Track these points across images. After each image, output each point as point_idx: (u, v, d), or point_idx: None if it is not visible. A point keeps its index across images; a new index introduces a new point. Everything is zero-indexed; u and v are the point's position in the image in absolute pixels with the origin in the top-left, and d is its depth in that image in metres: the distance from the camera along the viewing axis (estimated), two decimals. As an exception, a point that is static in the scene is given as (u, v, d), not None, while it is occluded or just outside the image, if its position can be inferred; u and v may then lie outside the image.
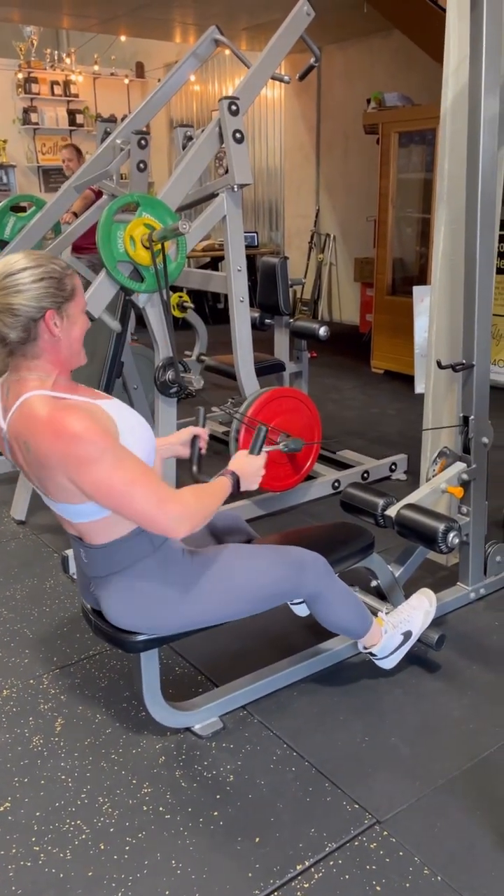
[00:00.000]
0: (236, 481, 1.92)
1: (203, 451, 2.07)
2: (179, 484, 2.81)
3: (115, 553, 1.82)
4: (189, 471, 2.05)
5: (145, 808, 1.86)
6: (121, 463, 1.63)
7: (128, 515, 1.70)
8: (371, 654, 2.27)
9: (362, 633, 2.19)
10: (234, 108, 2.89)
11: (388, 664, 2.28)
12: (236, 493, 1.94)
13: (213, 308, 8.02)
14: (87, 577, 1.93)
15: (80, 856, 1.73)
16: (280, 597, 2.03)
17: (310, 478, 3.63)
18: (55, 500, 1.75)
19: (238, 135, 2.90)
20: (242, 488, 1.94)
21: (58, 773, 1.98)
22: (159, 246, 2.69)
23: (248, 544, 2.14)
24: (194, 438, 2.05)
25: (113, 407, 1.74)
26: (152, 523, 1.70)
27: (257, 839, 1.77)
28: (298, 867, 1.69)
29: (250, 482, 1.95)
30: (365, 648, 2.26)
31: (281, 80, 3.31)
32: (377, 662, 2.29)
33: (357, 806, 1.85)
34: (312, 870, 1.69)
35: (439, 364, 2.58)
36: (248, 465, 1.95)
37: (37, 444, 1.63)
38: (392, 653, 2.27)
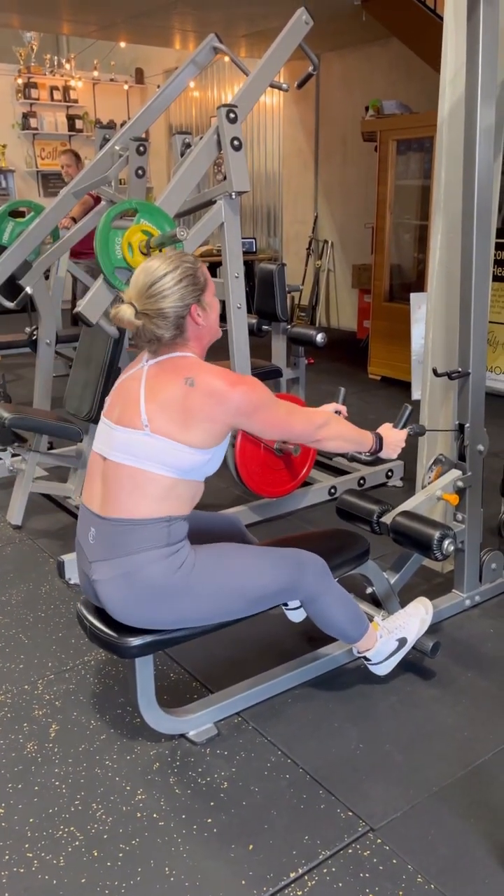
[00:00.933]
0: (379, 441, 2.18)
1: None
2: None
3: (131, 532, 1.83)
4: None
5: (139, 815, 1.86)
6: (279, 410, 1.93)
7: (288, 436, 2.04)
8: (365, 658, 2.27)
9: (358, 637, 2.19)
10: (232, 115, 2.90)
11: (382, 670, 2.28)
12: (375, 456, 2.20)
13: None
14: (89, 561, 1.91)
15: (74, 863, 1.73)
16: (278, 597, 2.04)
17: (306, 484, 3.64)
18: (176, 437, 1.79)
19: (236, 142, 2.91)
20: (382, 454, 2.20)
21: (52, 779, 1.98)
22: (157, 252, 2.70)
23: (248, 545, 2.14)
24: (336, 414, 2.20)
25: None
26: (302, 435, 2.02)
27: (251, 846, 1.76)
28: (292, 875, 1.69)
29: (391, 451, 2.21)
30: (359, 653, 2.26)
31: (279, 88, 3.33)
32: (371, 668, 2.29)
33: (351, 813, 1.85)
34: (306, 877, 1.69)
35: (435, 372, 2.59)
36: (393, 435, 2.22)
37: (207, 381, 1.79)
38: (386, 659, 2.27)
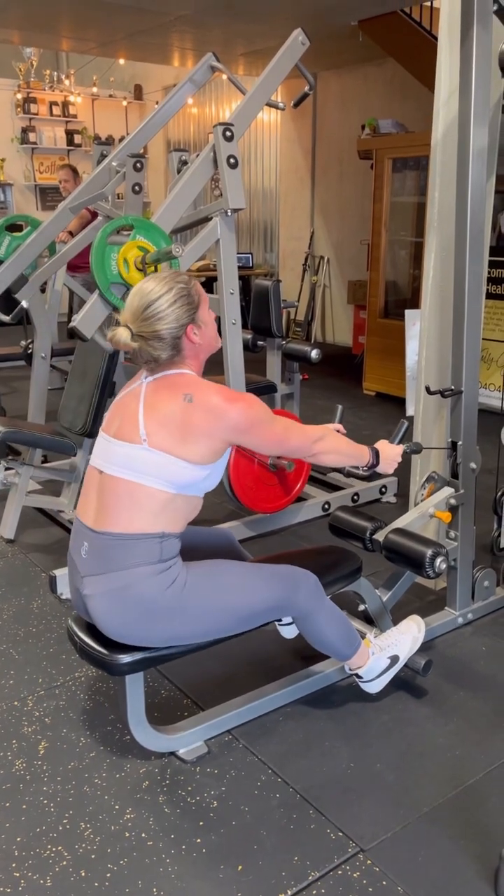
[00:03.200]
0: (376, 455, 2.19)
1: None
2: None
3: (123, 547, 1.84)
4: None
5: (127, 835, 1.84)
6: (276, 426, 1.94)
7: (285, 452, 2.03)
8: (357, 675, 2.26)
9: (350, 654, 2.19)
10: (228, 133, 2.93)
11: (373, 688, 2.28)
12: (371, 471, 2.21)
13: (207, 328, 8.04)
14: (81, 575, 1.91)
15: (61, 883, 1.71)
16: (270, 614, 2.03)
17: (300, 499, 3.64)
18: (174, 452, 1.81)
19: (232, 160, 2.94)
20: (379, 469, 2.21)
21: (40, 797, 1.96)
22: (152, 268, 2.72)
23: (241, 561, 2.14)
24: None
25: None
26: (299, 450, 2.04)
27: (240, 867, 1.75)
28: (281, 896, 1.68)
29: (387, 466, 2.23)
30: (351, 670, 2.25)
31: (276, 107, 3.36)
32: (362, 686, 2.28)
33: (341, 834, 1.84)
34: (295, 899, 1.67)
35: (428, 390, 2.60)
36: (390, 450, 2.24)
37: (206, 398, 1.81)
38: (378, 676, 2.26)
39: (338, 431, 2.25)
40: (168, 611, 1.87)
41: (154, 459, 1.82)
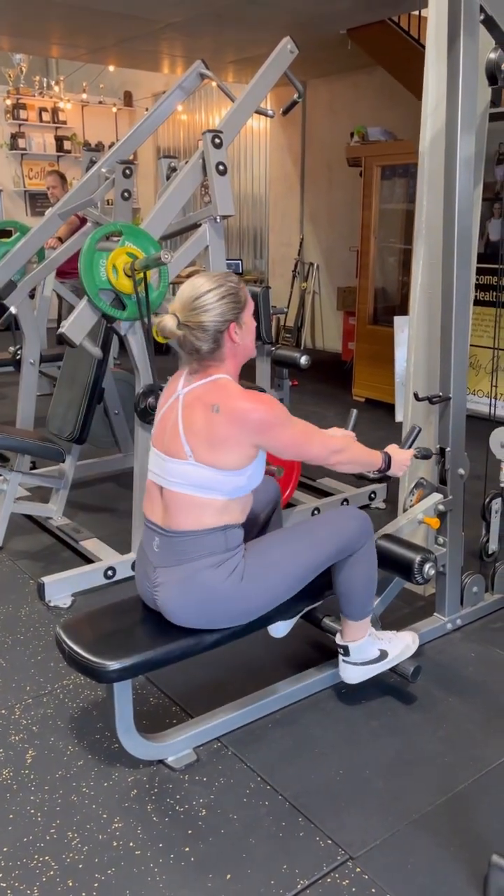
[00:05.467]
0: (388, 460, 2.26)
1: None
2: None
3: (192, 542, 1.96)
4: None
5: (115, 844, 1.83)
6: (295, 429, 2.01)
7: (304, 457, 2.08)
8: (345, 651, 2.27)
9: (363, 613, 2.24)
10: (217, 141, 2.93)
11: (352, 674, 2.29)
12: (383, 474, 2.28)
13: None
14: (153, 566, 2.02)
15: (48, 893, 1.70)
16: (330, 562, 2.16)
17: (290, 505, 3.64)
18: (215, 464, 1.91)
19: (221, 167, 2.94)
20: (390, 472, 2.29)
21: (27, 806, 1.94)
22: (141, 275, 2.71)
23: (291, 527, 2.23)
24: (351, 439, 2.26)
25: None
26: (317, 458, 2.08)
27: (228, 876, 1.74)
28: (270, 905, 1.67)
29: (398, 469, 2.30)
30: (343, 640, 2.28)
31: (265, 115, 3.37)
32: (343, 666, 2.29)
33: (330, 841, 1.83)
34: (284, 907, 1.66)
35: (416, 396, 2.60)
36: (400, 454, 2.31)
37: (230, 404, 1.90)
38: (362, 664, 2.27)
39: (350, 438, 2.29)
40: (228, 597, 1.98)
41: (202, 473, 1.93)
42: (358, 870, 1.76)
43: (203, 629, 2.03)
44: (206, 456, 1.92)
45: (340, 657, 2.30)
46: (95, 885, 1.72)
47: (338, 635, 2.32)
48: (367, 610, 2.26)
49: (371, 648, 2.28)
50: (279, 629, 2.43)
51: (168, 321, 1.94)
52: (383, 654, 2.29)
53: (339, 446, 2.10)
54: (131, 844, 1.83)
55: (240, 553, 2.02)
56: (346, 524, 2.17)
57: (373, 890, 1.70)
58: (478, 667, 2.54)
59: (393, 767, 2.08)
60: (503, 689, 2.42)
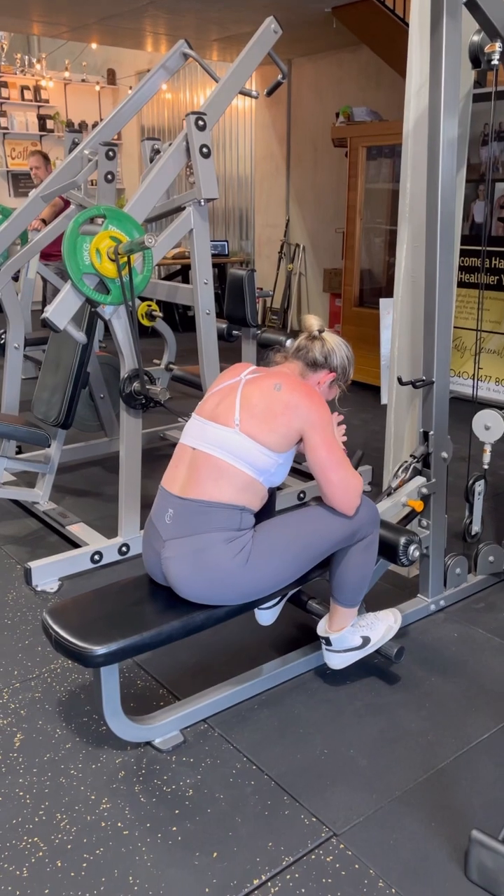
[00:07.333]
0: None
1: None
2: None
3: (208, 513, 2.01)
4: None
5: (104, 824, 1.86)
6: (335, 444, 2.12)
7: (327, 476, 2.10)
8: (327, 641, 2.30)
9: (352, 603, 2.27)
10: (200, 123, 2.91)
11: (336, 660, 2.32)
12: None
13: (183, 316, 8.02)
14: (163, 540, 2.07)
15: (37, 873, 1.73)
16: (336, 547, 2.19)
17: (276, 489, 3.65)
18: (257, 438, 2.01)
19: (205, 150, 2.92)
20: None
21: (16, 789, 1.97)
22: (125, 259, 2.70)
23: (299, 511, 2.23)
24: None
25: None
26: (332, 498, 2.13)
27: (215, 854, 1.77)
28: (255, 882, 1.70)
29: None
30: (326, 631, 2.30)
31: (249, 96, 3.34)
32: (327, 654, 2.33)
33: (314, 819, 1.87)
34: (269, 884, 1.70)
35: (400, 380, 2.62)
36: None
37: (291, 387, 2.07)
38: (345, 651, 2.30)
39: None
40: (235, 575, 2.01)
41: (242, 443, 2.02)
42: (342, 846, 1.79)
43: (191, 611, 2.05)
44: (251, 428, 2.02)
45: (323, 646, 2.33)
46: (84, 864, 1.75)
47: (320, 624, 2.33)
48: (359, 599, 2.28)
49: (353, 637, 2.30)
50: (265, 617, 2.46)
51: (314, 322, 2.21)
52: (366, 641, 2.32)
53: (356, 496, 2.14)
54: (119, 825, 1.86)
55: (249, 534, 2.06)
56: (355, 513, 2.17)
57: (356, 866, 1.74)
58: (460, 647, 2.59)
59: (376, 746, 2.11)
60: (484, 669, 2.46)
